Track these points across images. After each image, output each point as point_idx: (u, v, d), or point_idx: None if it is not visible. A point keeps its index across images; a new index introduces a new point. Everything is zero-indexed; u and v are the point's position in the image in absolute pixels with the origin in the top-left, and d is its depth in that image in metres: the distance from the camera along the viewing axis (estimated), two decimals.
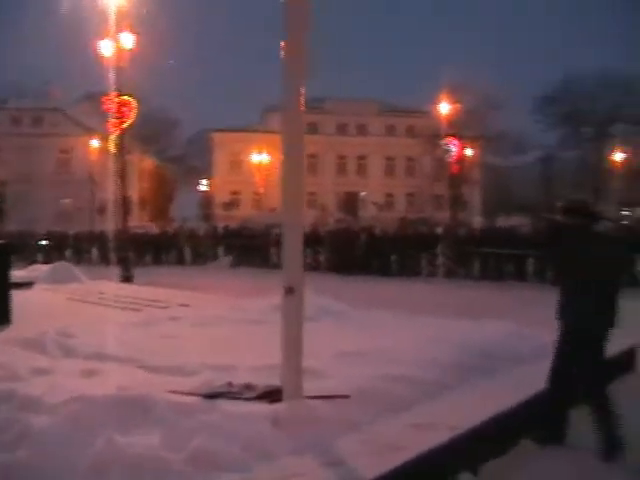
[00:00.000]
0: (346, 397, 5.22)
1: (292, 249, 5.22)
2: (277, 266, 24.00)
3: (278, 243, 25.21)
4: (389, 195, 69.15)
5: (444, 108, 43.56)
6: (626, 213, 37.37)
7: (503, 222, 35.54)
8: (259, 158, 61.63)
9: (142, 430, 4.51)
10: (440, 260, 21.75)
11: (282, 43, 5.01)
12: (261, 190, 62.69)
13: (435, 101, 44.77)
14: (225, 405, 4.95)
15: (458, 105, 44.79)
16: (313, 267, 22.10)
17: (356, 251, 23.21)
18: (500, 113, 49.16)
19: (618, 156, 44.29)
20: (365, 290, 16.98)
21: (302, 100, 5.05)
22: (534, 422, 5.59)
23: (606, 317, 5.19)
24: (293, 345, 5.12)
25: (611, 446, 5.15)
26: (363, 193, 67.24)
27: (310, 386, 5.21)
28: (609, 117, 44.11)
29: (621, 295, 5.24)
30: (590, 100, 43.64)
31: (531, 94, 50.84)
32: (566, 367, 5.36)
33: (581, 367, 5.30)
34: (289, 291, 5.11)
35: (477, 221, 44.62)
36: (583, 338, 5.22)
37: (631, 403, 6.71)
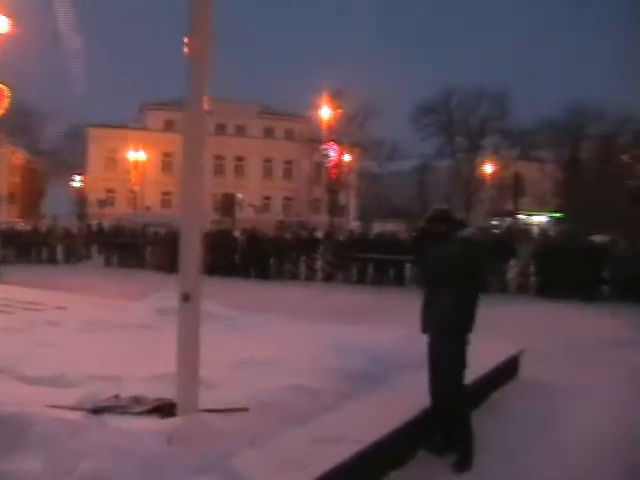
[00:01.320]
0: (244, 410, 5.00)
1: (190, 254, 4.94)
2: (153, 266, 23.41)
3: (154, 243, 24.65)
4: (267, 198, 69.02)
5: (324, 113, 43.94)
6: (495, 222, 39.08)
7: (378, 227, 36.28)
8: (135, 156, 59.93)
9: (19, 454, 4.06)
10: (319, 264, 21.86)
11: (185, 39, 4.73)
12: (136, 188, 60.99)
13: (315, 106, 45.12)
14: (113, 421, 4.60)
15: (338, 111, 45.30)
16: None
17: (235, 254, 22.89)
18: (379, 121, 50.22)
19: (488, 168, 46.31)
20: (246, 294, 16.71)
21: (206, 99, 4.80)
22: (430, 431, 5.59)
23: (466, 318, 5.37)
24: (189, 355, 4.83)
25: (465, 457, 5.28)
26: (240, 195, 66.75)
27: (205, 398, 4.94)
28: (481, 129, 46.04)
29: (481, 298, 5.44)
30: (465, 112, 45.46)
31: (413, 103, 52.06)
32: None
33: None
34: (186, 298, 4.82)
35: (354, 226, 45.33)
36: (445, 338, 5.33)
37: (515, 408, 6.94)
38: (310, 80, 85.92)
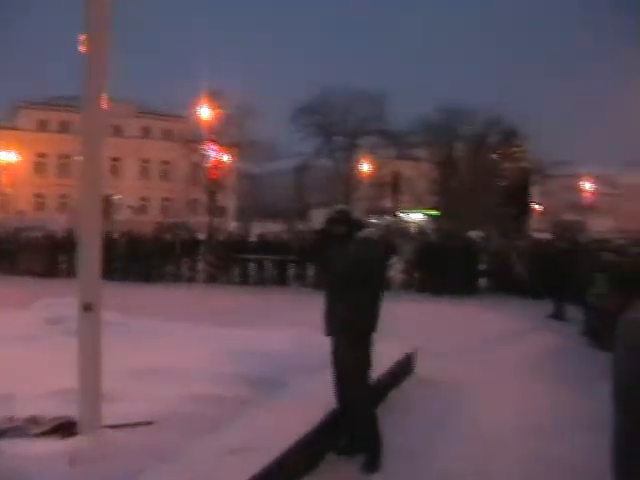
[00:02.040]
0: (149, 424, 4.80)
1: (89, 261, 4.69)
2: (27, 272, 22.26)
3: (28, 247, 23.47)
4: (144, 199, 67.31)
5: (203, 113, 43.39)
6: (374, 221, 39.85)
7: (258, 228, 36.23)
8: (6, 157, 56.81)
9: None
10: (201, 265, 21.57)
11: (81, 37, 4.47)
12: (8, 191, 57.91)
13: (194, 105, 44.45)
14: (9, 445, 4.29)
15: (218, 111, 44.83)
16: (67, 272, 20.72)
17: (115, 256, 22.15)
18: (258, 121, 50.05)
19: (366, 167, 47.23)
20: (129, 298, 16.12)
21: (104, 99, 4.56)
22: (338, 434, 5.58)
23: (370, 319, 5.41)
24: (91, 368, 4.59)
25: (373, 457, 5.31)
26: (117, 196, 64.70)
27: (107, 413, 4.70)
28: (359, 130, 46.83)
29: (383, 297, 5.51)
30: (343, 112, 46.07)
31: (293, 103, 52.04)
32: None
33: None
34: (87, 307, 4.57)
35: (233, 226, 44.99)
36: (350, 340, 5.33)
37: (415, 406, 7.06)
38: (189, 80, 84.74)
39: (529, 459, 5.73)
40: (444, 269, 18.59)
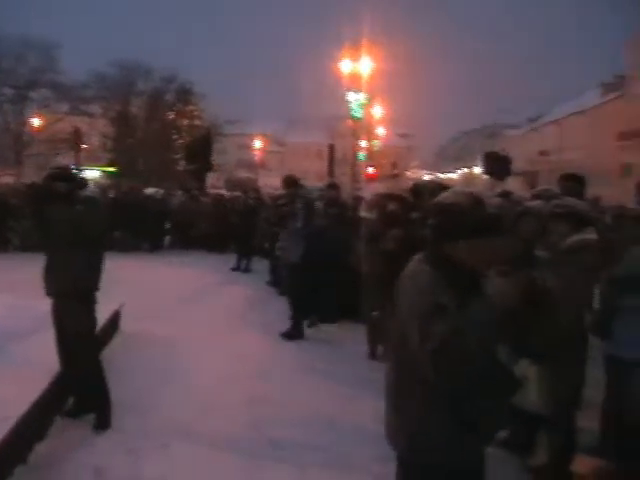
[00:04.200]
0: None
1: None
2: None
3: None
4: None
5: None
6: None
7: None
8: None
9: None
10: None
11: None
12: None
13: None
14: None
15: None
16: None
17: None
18: None
19: (37, 121, 44.10)
20: None
21: None
22: (65, 396, 5.48)
23: (92, 278, 5.40)
24: None
25: (103, 415, 5.37)
26: None
27: None
28: (30, 81, 43.36)
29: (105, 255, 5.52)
30: (12, 61, 42.23)
31: None
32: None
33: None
34: None
35: None
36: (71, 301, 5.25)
37: (130, 361, 7.11)
38: None
39: (255, 399, 6.20)
40: (130, 226, 18.38)
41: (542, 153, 61.52)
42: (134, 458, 4.82)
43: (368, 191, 17.76)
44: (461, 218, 2.50)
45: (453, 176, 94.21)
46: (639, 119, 42.42)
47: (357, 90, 31.41)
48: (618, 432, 4.84)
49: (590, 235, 4.60)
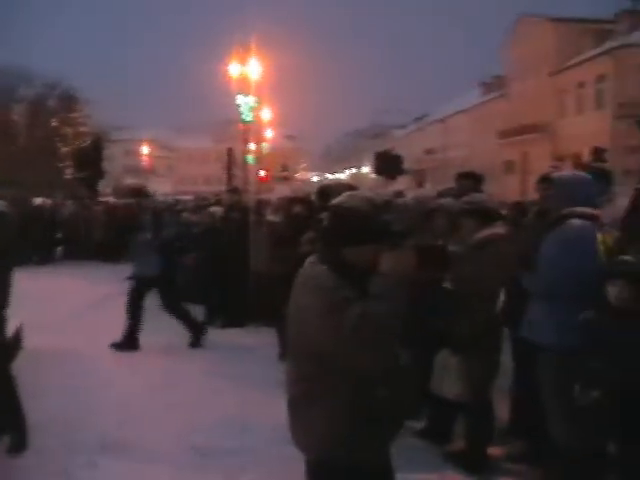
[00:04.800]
0: None
1: None
2: None
3: None
4: None
5: None
6: None
7: None
8: None
9: None
10: None
11: None
12: None
13: None
14: None
15: None
16: None
17: None
18: None
19: None
20: None
21: None
22: None
23: (3, 293, 5.18)
24: None
25: (20, 437, 5.16)
26: None
27: None
28: None
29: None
30: None
31: None
32: None
33: None
34: None
35: None
36: None
37: (29, 378, 6.86)
38: None
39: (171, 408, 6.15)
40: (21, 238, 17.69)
41: (428, 151, 63.42)
42: (59, 475, 4.69)
43: (273, 194, 17.83)
44: (358, 223, 2.50)
45: (341, 176, 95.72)
46: (518, 118, 44.55)
47: (246, 93, 31.35)
48: (528, 415, 5.12)
49: (499, 229, 4.86)
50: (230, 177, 30.70)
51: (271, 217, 8.40)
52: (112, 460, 4.99)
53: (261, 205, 10.45)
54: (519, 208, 7.82)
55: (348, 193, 2.67)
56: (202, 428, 5.70)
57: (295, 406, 2.66)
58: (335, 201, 2.66)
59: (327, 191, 7.56)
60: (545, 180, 4.85)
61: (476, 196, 5.14)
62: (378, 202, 2.58)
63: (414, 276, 2.47)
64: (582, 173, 4.45)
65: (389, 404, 2.57)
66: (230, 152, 32.34)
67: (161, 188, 52.57)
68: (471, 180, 6.48)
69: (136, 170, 69.60)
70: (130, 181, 62.51)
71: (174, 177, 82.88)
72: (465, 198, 5.05)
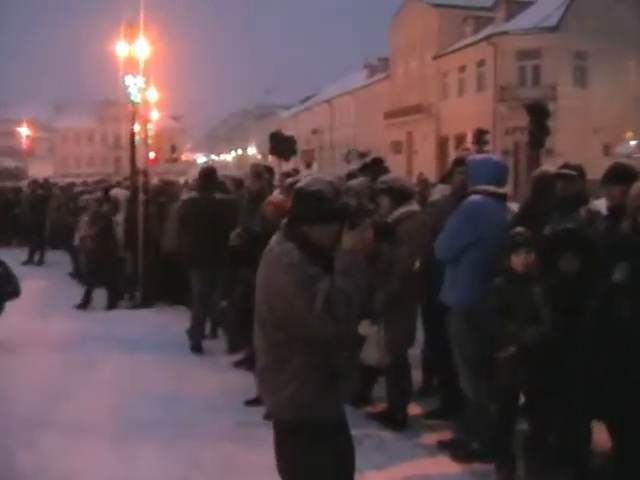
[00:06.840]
0: None
1: None
2: None
3: None
4: None
5: None
6: None
7: None
8: None
9: None
10: None
11: None
12: None
13: None
14: None
15: None
16: None
17: None
18: None
19: None
20: None
21: None
22: None
23: None
24: None
25: None
26: None
27: None
28: None
29: None
30: None
31: None
32: None
33: None
34: None
35: None
36: None
37: None
38: None
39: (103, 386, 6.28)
40: None
41: (315, 132, 64.04)
42: (3, 456, 4.78)
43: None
44: (322, 205, 2.76)
45: (227, 157, 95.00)
46: (402, 99, 45.81)
47: (135, 74, 30.68)
48: (440, 375, 5.65)
49: (412, 207, 5.30)
50: (134, 159, 29.80)
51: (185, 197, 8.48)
52: (52, 437, 5.08)
53: (168, 186, 10.50)
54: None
55: (311, 177, 2.95)
56: (137, 403, 5.86)
57: (266, 373, 2.91)
58: (300, 184, 2.92)
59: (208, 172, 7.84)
60: (460, 162, 5.31)
61: (390, 176, 5.56)
62: (339, 185, 2.90)
63: (371, 251, 2.82)
64: (492, 155, 4.95)
65: (349, 365, 2.90)
66: (132, 133, 31.26)
67: (43, 171, 50.59)
68: (378, 164, 6.81)
69: (14, 151, 66.67)
70: (9, 163, 59.86)
71: (55, 159, 79.80)
72: (381, 178, 5.45)
